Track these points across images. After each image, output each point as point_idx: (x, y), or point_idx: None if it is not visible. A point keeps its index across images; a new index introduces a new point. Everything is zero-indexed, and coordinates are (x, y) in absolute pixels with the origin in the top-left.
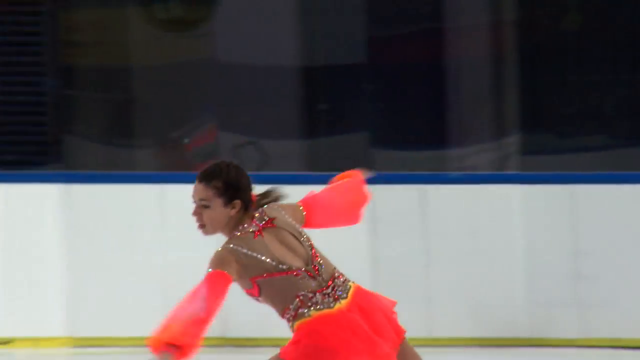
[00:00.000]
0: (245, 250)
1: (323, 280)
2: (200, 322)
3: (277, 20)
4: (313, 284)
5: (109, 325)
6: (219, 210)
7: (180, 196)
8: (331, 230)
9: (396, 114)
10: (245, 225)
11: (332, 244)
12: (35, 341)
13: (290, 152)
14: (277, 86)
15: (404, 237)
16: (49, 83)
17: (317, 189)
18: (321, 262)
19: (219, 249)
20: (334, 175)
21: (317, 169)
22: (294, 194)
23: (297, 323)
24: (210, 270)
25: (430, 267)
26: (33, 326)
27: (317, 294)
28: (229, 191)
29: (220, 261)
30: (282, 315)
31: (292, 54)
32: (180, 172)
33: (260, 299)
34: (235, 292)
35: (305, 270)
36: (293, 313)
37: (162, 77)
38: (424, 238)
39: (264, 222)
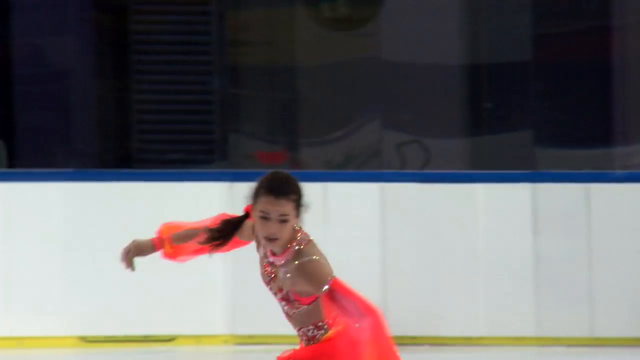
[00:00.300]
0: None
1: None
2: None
3: (442, 19)
4: None
5: (272, 323)
6: (293, 222)
7: (343, 195)
8: (494, 226)
9: (561, 112)
10: (301, 234)
11: (494, 241)
12: (197, 339)
13: (453, 150)
14: (441, 84)
15: (567, 236)
16: (215, 82)
17: (479, 187)
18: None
19: (313, 259)
20: (496, 175)
21: (480, 167)
22: (456, 192)
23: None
24: (329, 280)
25: (593, 267)
26: (195, 325)
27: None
28: (300, 203)
29: (328, 268)
30: (316, 325)
31: (457, 52)
32: (342, 170)
33: (306, 307)
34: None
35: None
36: (326, 326)
37: (327, 76)
38: (587, 237)
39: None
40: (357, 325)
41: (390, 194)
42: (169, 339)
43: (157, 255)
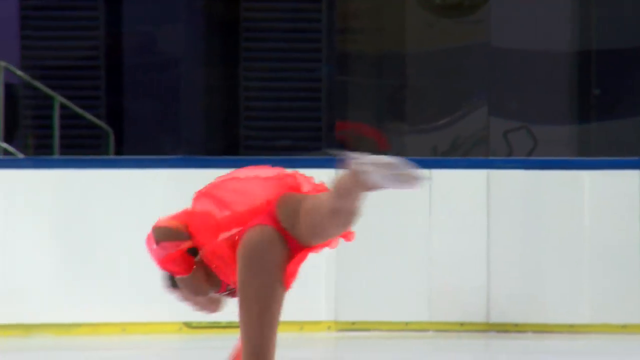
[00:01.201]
0: None
1: None
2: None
3: (553, 5)
4: None
5: (374, 310)
6: None
7: (449, 182)
8: (600, 213)
9: None
10: None
11: (600, 228)
12: (300, 325)
13: (560, 137)
14: (549, 71)
15: None
16: (324, 69)
17: (586, 174)
18: None
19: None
20: (607, 162)
21: (589, 154)
22: (563, 178)
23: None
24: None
25: None
26: (298, 311)
27: None
28: None
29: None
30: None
31: (566, 38)
32: (446, 157)
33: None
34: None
35: None
36: None
37: (436, 62)
38: None
39: None
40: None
41: (496, 181)
42: None
43: None
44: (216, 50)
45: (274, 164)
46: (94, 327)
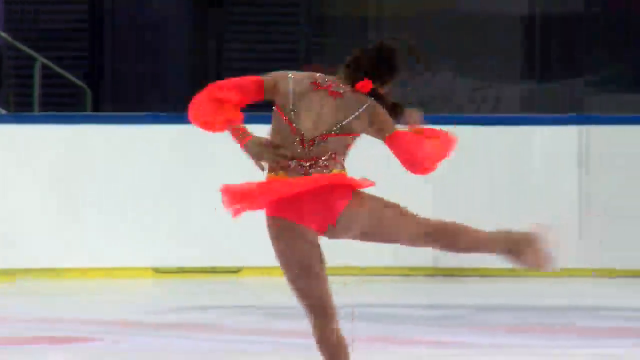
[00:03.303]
0: (291, 83)
1: (307, 154)
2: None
3: None
4: (298, 149)
5: (335, 255)
6: None
7: None
8: (541, 166)
9: (616, 61)
10: (318, 76)
11: (542, 180)
12: (262, 270)
13: (519, 95)
14: (509, 35)
15: (615, 175)
16: (302, 31)
17: (540, 130)
18: (323, 144)
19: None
20: (552, 118)
21: (543, 111)
22: (519, 133)
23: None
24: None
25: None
26: (260, 257)
27: (294, 161)
28: None
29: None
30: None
31: (524, 3)
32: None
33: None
34: None
35: (302, 136)
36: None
37: (408, 27)
38: (637, 175)
39: (327, 84)
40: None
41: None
42: (236, 271)
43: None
44: (200, 12)
45: (254, 121)
46: (81, 271)
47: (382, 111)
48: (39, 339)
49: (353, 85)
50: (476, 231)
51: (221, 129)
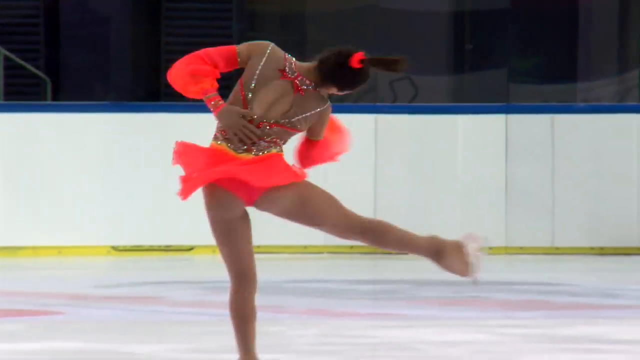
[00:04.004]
0: (262, 62)
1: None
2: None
3: None
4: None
5: (275, 236)
6: None
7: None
8: (468, 152)
9: (532, 53)
10: (288, 57)
11: (469, 166)
12: (213, 249)
13: (438, 86)
14: (429, 29)
15: (535, 160)
16: (235, 27)
17: (461, 118)
18: (268, 130)
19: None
20: (478, 107)
21: (462, 100)
22: (441, 122)
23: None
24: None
25: (556, 186)
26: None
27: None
28: None
29: (248, 44)
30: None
31: (445, 0)
32: (338, 103)
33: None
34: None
35: (250, 117)
36: (215, 131)
37: (332, 22)
38: (553, 161)
39: (294, 75)
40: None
41: (383, 124)
42: (189, 249)
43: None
44: (141, 9)
45: (192, 110)
46: (33, 249)
47: (329, 117)
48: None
49: (317, 86)
50: (403, 231)
51: (196, 96)
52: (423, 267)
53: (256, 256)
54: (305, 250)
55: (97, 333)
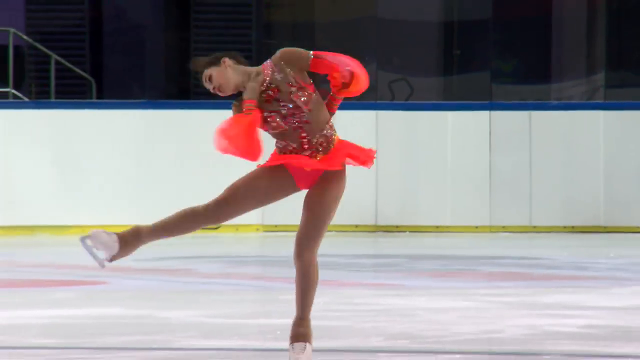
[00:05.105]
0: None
1: None
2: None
3: None
4: None
5: (293, 215)
6: (222, 72)
7: (346, 120)
8: (456, 144)
9: (511, 57)
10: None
11: (458, 156)
12: (236, 227)
13: (431, 86)
14: (422, 36)
15: (515, 151)
16: (253, 35)
17: (450, 114)
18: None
19: (283, 49)
20: (464, 105)
21: (451, 99)
22: (433, 118)
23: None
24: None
25: (534, 173)
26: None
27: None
28: (212, 62)
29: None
30: (328, 123)
31: (435, 11)
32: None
33: (315, 98)
34: (387, 189)
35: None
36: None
37: (338, 30)
38: (530, 151)
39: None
40: (347, 67)
41: (383, 120)
42: (215, 228)
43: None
44: (173, 19)
45: (220, 107)
46: (80, 228)
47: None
48: (51, 282)
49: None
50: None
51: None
52: (416, 244)
53: (277, 234)
54: None
55: (135, 300)
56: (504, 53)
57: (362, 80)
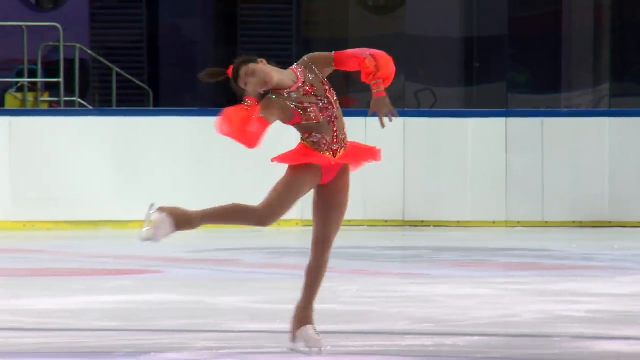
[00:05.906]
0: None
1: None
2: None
3: (446, 5)
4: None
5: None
6: (259, 71)
7: (378, 126)
8: (476, 148)
9: (526, 69)
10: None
11: (477, 158)
12: (280, 222)
13: (453, 96)
14: (445, 50)
15: (528, 153)
16: (294, 50)
17: (471, 122)
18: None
19: (308, 55)
20: (483, 112)
21: (471, 107)
22: (455, 124)
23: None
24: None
25: (545, 174)
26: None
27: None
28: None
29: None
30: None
31: (457, 28)
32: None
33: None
34: (414, 185)
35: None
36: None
37: (370, 44)
38: (542, 154)
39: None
40: (368, 53)
41: (410, 126)
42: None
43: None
44: (221, 35)
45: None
46: (139, 223)
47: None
48: (111, 271)
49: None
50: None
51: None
52: (440, 237)
53: (308, 228)
54: (349, 223)
55: (188, 288)
56: (518, 66)
57: (387, 61)
